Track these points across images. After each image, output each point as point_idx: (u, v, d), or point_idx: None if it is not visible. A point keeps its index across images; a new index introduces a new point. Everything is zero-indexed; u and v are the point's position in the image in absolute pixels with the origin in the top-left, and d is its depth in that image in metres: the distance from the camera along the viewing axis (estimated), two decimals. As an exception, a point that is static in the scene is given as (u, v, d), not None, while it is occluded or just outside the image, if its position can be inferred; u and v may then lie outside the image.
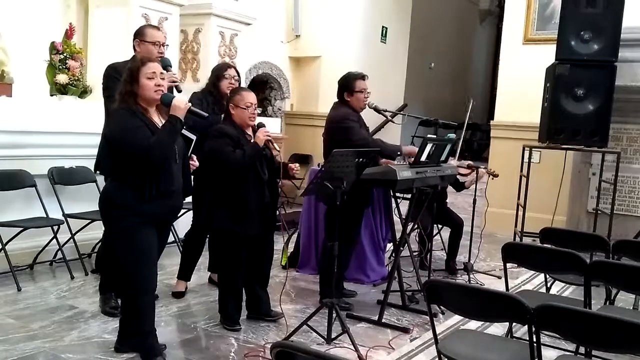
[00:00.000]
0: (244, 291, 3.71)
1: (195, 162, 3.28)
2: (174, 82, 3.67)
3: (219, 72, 4.16)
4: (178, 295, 4.16)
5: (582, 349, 2.98)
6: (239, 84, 4.21)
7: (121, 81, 2.94)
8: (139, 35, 3.80)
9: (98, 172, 3.93)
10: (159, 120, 2.96)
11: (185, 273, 4.25)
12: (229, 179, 3.49)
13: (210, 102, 4.04)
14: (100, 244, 4.30)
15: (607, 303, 3.41)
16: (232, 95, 3.64)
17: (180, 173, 3.02)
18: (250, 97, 3.58)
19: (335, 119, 4.03)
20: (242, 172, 3.48)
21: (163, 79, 2.95)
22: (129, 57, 3.81)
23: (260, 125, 3.62)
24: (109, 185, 2.98)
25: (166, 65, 3.56)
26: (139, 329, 2.99)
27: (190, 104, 2.98)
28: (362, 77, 4.06)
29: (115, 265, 3.70)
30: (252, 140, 3.55)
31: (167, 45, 3.94)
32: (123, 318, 3.16)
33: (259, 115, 3.70)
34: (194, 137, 3.29)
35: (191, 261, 4.26)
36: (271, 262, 3.84)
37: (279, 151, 3.68)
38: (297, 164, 3.75)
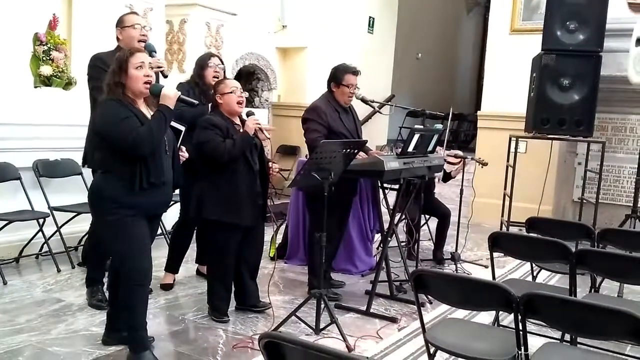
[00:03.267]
0: (233, 283, 3.71)
1: (184, 154, 3.26)
2: (159, 67, 3.64)
3: (202, 62, 4.14)
4: (166, 287, 4.15)
5: (567, 336, 3.01)
6: (224, 72, 4.19)
7: (109, 72, 2.91)
8: (119, 23, 3.83)
9: (86, 166, 3.89)
10: (147, 111, 2.93)
11: (173, 265, 4.24)
12: (219, 170, 3.47)
13: (197, 93, 4.02)
14: (87, 236, 4.27)
15: (592, 291, 3.44)
16: (215, 87, 3.64)
17: (170, 165, 3.00)
18: (233, 82, 3.59)
19: (307, 109, 4.04)
20: (233, 162, 3.46)
21: (152, 68, 2.92)
22: (114, 47, 3.80)
23: (250, 113, 3.59)
24: (98, 178, 2.94)
25: (151, 51, 3.54)
26: (131, 323, 2.95)
27: (179, 93, 2.96)
28: (354, 71, 4.01)
29: (105, 258, 3.71)
30: (241, 130, 3.53)
31: (150, 28, 3.94)
32: (111, 311, 3.15)
33: (246, 105, 3.67)
34: (182, 128, 3.27)
35: (179, 253, 4.25)
36: (261, 253, 3.83)
37: (269, 138, 3.66)
38: (277, 165, 3.76)
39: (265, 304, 3.75)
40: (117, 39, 3.83)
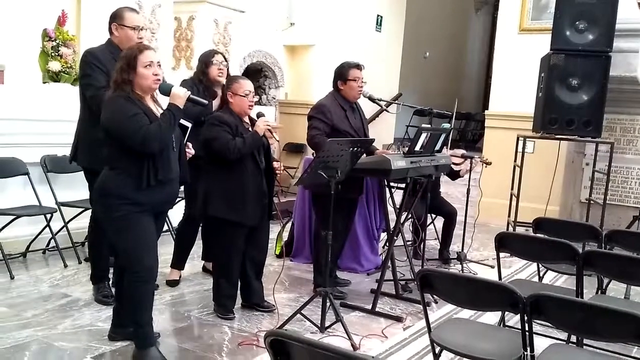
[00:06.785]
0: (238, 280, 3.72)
1: (191, 150, 3.27)
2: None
3: (206, 59, 4.14)
4: (172, 283, 4.16)
5: (573, 338, 3.00)
6: (227, 69, 4.19)
7: (116, 69, 2.90)
8: (117, 18, 3.64)
9: (74, 162, 3.83)
10: (154, 108, 2.94)
11: (179, 262, 4.25)
12: (226, 167, 3.47)
13: (201, 90, 4.02)
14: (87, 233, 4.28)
15: (599, 292, 3.43)
16: (229, 83, 3.62)
17: (177, 161, 3.01)
18: (248, 85, 3.57)
19: (312, 107, 4.04)
20: (240, 161, 3.47)
21: (160, 66, 2.92)
22: (105, 42, 3.70)
23: (260, 114, 3.60)
24: (105, 174, 2.92)
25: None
26: (137, 319, 2.95)
27: (189, 92, 2.97)
28: (357, 66, 4.03)
29: (107, 254, 3.72)
30: (249, 129, 3.53)
31: (147, 29, 3.84)
32: (118, 306, 3.16)
33: (255, 104, 3.70)
34: (189, 125, 3.27)
35: (185, 250, 4.26)
36: (266, 251, 3.83)
37: (278, 140, 3.67)
38: (281, 164, 3.77)
39: (270, 305, 3.74)
40: (111, 33, 3.67)
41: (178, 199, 4.69)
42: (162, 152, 2.86)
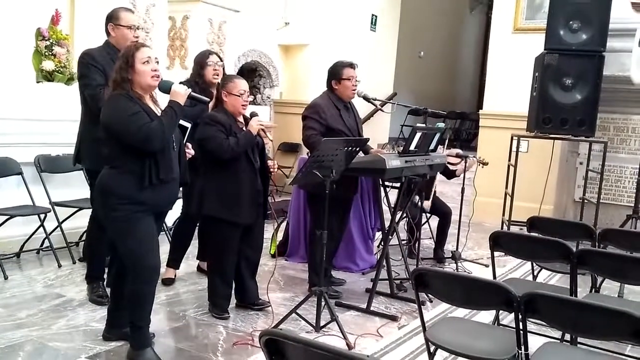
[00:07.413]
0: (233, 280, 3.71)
1: (190, 151, 3.26)
2: None
3: (202, 60, 4.13)
4: (167, 282, 4.15)
5: (567, 336, 3.02)
6: (223, 69, 4.19)
7: (114, 68, 2.89)
8: (113, 18, 3.69)
9: (78, 164, 3.83)
10: (154, 107, 2.92)
11: (174, 261, 4.24)
12: (221, 167, 3.47)
13: (197, 91, 4.01)
14: (86, 233, 4.27)
15: (593, 291, 3.44)
16: (224, 82, 3.61)
17: (177, 161, 3.00)
18: (243, 85, 3.57)
19: (307, 106, 4.04)
20: (235, 160, 3.47)
21: (158, 62, 2.91)
22: (103, 43, 3.74)
23: (254, 114, 3.60)
24: (105, 174, 2.90)
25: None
26: (135, 319, 2.93)
27: (190, 90, 2.96)
28: (351, 65, 4.03)
29: (103, 254, 3.71)
30: (243, 129, 3.53)
31: (141, 29, 3.87)
32: (112, 306, 3.15)
33: (249, 103, 3.70)
34: (188, 125, 3.27)
35: (180, 249, 4.26)
36: (261, 251, 3.83)
37: (271, 140, 3.67)
38: (275, 162, 3.77)
39: (264, 302, 3.75)
40: (108, 33, 3.71)
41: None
42: (163, 151, 2.85)
